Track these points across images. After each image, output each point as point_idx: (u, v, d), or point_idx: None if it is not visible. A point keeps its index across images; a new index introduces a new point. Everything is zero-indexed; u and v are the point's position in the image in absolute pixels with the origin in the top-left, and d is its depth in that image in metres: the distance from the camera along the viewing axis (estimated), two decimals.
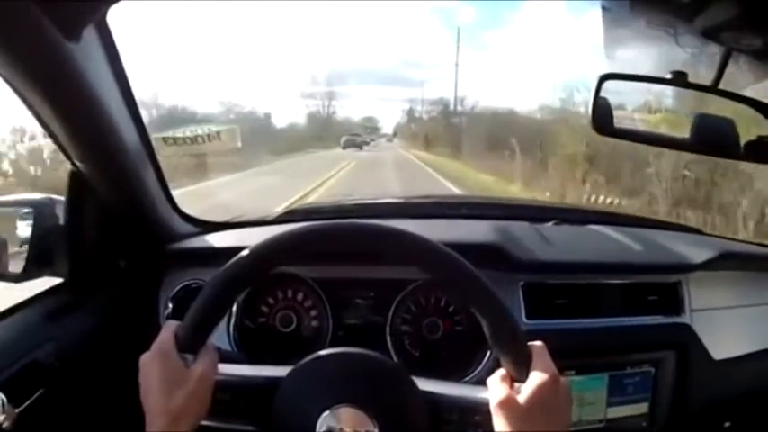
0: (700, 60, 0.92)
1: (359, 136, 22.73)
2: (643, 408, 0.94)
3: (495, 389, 0.56)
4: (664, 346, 0.94)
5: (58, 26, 0.61)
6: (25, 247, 0.85)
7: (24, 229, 0.88)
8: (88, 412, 0.85)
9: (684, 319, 0.96)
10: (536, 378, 0.54)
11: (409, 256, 0.60)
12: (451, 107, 20.81)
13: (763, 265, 1.12)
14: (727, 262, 1.03)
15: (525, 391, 0.54)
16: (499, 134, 12.57)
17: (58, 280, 0.89)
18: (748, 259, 1.12)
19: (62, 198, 0.87)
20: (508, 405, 0.54)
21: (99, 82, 0.73)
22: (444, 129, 20.49)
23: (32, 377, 0.75)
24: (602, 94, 0.86)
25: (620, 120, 0.94)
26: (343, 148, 19.91)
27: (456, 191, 8.52)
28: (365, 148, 22.33)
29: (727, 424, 1.10)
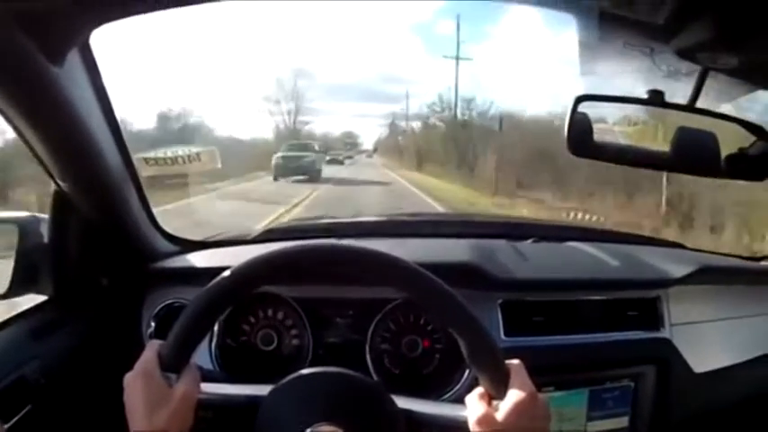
0: (678, 78, 0.94)
1: (305, 154, 12.01)
2: (623, 422, 0.95)
3: (473, 407, 0.57)
4: (643, 360, 0.95)
5: (41, 50, 0.62)
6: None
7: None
8: (75, 428, 0.86)
9: (664, 333, 0.97)
10: (514, 395, 0.55)
11: (386, 277, 0.61)
12: (449, 112, 16.48)
13: (743, 278, 1.13)
14: (707, 276, 1.04)
15: (503, 408, 0.55)
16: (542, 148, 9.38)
17: (42, 297, 0.90)
18: (728, 273, 1.13)
19: (46, 216, 0.88)
20: (486, 422, 0.55)
21: (82, 104, 0.74)
22: (444, 141, 16.04)
23: (20, 393, 0.75)
24: (580, 109, 0.88)
25: (601, 134, 0.96)
26: (275, 177, 10.80)
27: None
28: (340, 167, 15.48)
29: None
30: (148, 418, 0.56)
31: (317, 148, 13.57)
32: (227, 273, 0.60)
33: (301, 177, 10.81)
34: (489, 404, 0.56)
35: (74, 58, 0.71)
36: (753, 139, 0.89)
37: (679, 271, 0.99)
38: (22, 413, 0.75)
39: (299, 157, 11.53)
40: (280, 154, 11.63)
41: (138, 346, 0.62)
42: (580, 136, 0.85)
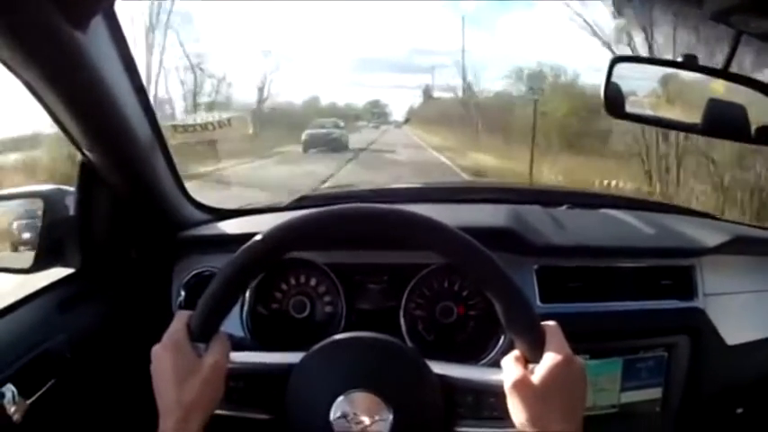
0: (709, 44, 0.92)
1: (337, 127, 13.79)
2: (656, 393, 0.94)
3: (509, 370, 0.56)
4: (677, 330, 0.94)
5: (65, 16, 0.61)
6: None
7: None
8: (100, 403, 0.86)
9: (698, 303, 0.95)
10: (550, 359, 0.54)
11: (423, 240, 0.60)
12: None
13: None
14: (741, 246, 1.03)
15: (539, 371, 0.54)
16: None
17: (69, 270, 0.89)
18: (762, 244, 1.11)
19: (72, 189, 0.87)
20: (523, 385, 0.54)
21: (108, 71, 0.73)
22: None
23: (43, 368, 0.75)
24: (614, 78, 0.86)
25: (632, 105, 0.94)
26: (305, 150, 12.25)
27: None
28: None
29: (739, 410, 1.10)
30: (178, 390, 0.55)
31: (341, 124, 14.82)
32: (256, 238, 0.58)
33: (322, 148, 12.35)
34: (525, 367, 0.55)
35: (98, 24, 0.69)
36: None
37: (713, 240, 0.98)
38: (44, 388, 0.74)
39: (327, 134, 13.22)
40: (308, 131, 13.17)
41: (167, 318, 0.60)
42: (615, 99, 0.84)
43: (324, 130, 13.49)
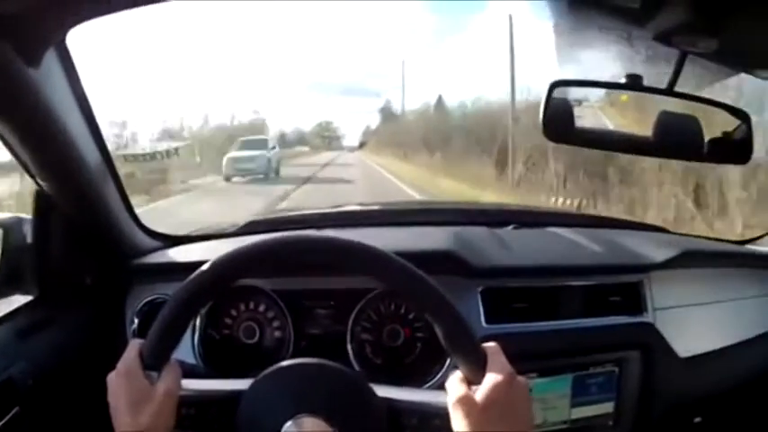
0: (656, 62, 0.94)
1: (264, 148, 11.19)
2: (608, 407, 0.95)
3: (452, 390, 0.57)
4: (627, 345, 0.95)
5: (17, 51, 0.62)
6: None
7: None
8: (63, 430, 0.87)
9: (647, 318, 0.97)
10: (491, 378, 0.55)
11: (362, 267, 0.61)
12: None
13: (726, 261, 1.13)
14: (690, 260, 1.05)
15: (481, 390, 0.55)
16: None
17: (28, 298, 0.90)
18: (712, 257, 1.13)
19: (30, 217, 0.88)
20: (465, 403, 0.55)
21: (60, 103, 0.74)
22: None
23: (7, 396, 0.75)
24: (554, 100, 0.87)
25: (583, 116, 0.95)
26: (226, 178, 9.84)
27: None
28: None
29: (697, 419, 1.11)
30: (132, 418, 0.56)
31: (271, 144, 12.41)
32: (203, 267, 0.60)
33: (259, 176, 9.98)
34: (469, 388, 0.56)
35: (50, 58, 0.71)
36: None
37: (661, 255, 1.00)
38: (9, 415, 0.75)
39: (252, 158, 10.48)
40: (229, 154, 10.59)
41: (123, 344, 0.62)
42: (558, 122, 0.85)
43: (246, 153, 10.52)
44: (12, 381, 0.77)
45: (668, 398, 0.99)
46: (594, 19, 0.88)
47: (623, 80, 0.88)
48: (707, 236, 1.29)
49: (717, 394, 1.09)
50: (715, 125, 0.95)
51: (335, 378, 0.63)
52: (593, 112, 0.94)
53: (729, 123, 0.91)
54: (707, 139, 0.90)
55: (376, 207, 1.32)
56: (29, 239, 0.88)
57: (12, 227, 0.88)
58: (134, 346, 0.60)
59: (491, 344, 0.58)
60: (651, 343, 0.96)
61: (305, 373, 0.63)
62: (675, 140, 0.92)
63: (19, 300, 0.90)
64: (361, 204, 1.33)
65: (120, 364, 0.59)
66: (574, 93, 0.95)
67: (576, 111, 0.91)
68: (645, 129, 0.93)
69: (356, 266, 0.62)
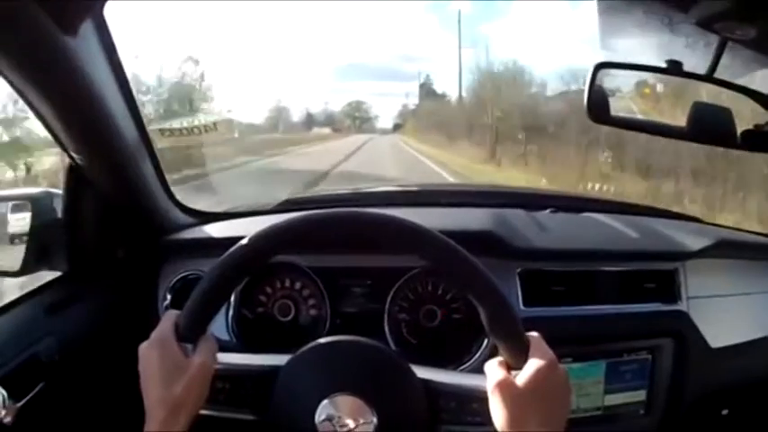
0: (696, 49, 0.93)
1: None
2: (640, 395, 0.94)
3: (492, 374, 0.56)
4: (661, 333, 0.95)
5: (55, 20, 0.61)
6: (16, 241, 0.86)
7: (15, 223, 0.88)
8: (89, 404, 0.86)
9: (681, 306, 0.96)
10: (534, 364, 0.55)
11: (407, 245, 0.60)
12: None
13: (761, 253, 1.12)
14: (725, 250, 1.04)
15: (522, 375, 0.54)
16: None
17: (57, 273, 0.89)
18: (746, 248, 1.12)
19: (59, 192, 0.87)
20: (505, 388, 0.54)
21: (96, 75, 0.74)
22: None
23: (32, 371, 0.75)
24: (597, 83, 0.87)
25: (617, 109, 0.95)
26: None
27: None
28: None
29: (724, 412, 1.11)
30: (164, 388, 0.55)
31: None
32: (241, 242, 0.59)
33: None
34: (508, 372, 0.56)
35: (87, 29, 0.70)
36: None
37: (697, 244, 0.99)
38: (34, 391, 0.75)
39: None
40: None
41: (154, 320, 0.61)
42: (599, 104, 0.85)
43: None
44: (37, 357, 0.77)
45: (698, 388, 0.99)
46: (638, 3, 0.88)
47: (664, 65, 0.87)
48: (739, 227, 1.27)
49: (745, 386, 1.08)
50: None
51: (375, 357, 0.63)
52: (625, 104, 0.94)
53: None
54: (740, 130, 0.90)
55: (414, 187, 1.31)
56: (59, 214, 0.87)
57: (41, 201, 0.87)
58: (169, 317, 0.60)
59: (534, 333, 0.58)
60: (684, 331, 0.95)
61: (344, 350, 0.62)
62: (708, 129, 0.91)
63: (48, 275, 0.89)
64: (398, 185, 1.32)
65: (155, 334, 0.58)
66: (607, 83, 0.94)
67: (612, 101, 0.91)
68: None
69: (401, 243, 0.61)
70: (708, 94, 0.91)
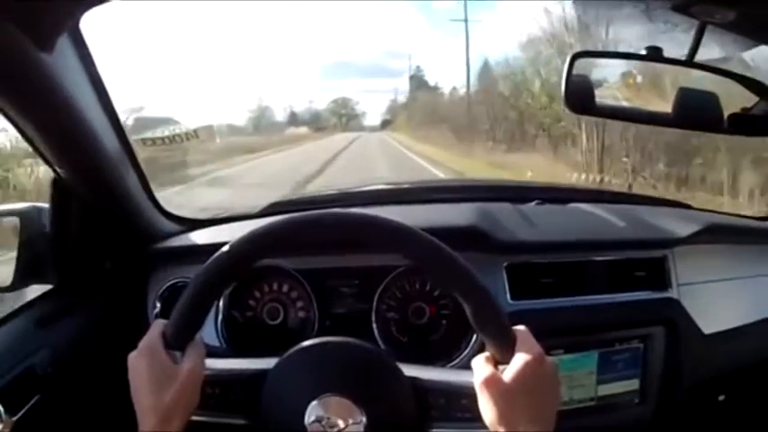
0: (673, 36, 0.92)
1: None
2: (634, 384, 0.94)
3: (479, 370, 0.56)
4: (652, 321, 0.95)
5: (31, 37, 0.61)
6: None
7: None
8: (84, 416, 0.86)
9: (672, 293, 0.96)
10: (520, 358, 0.55)
11: (390, 244, 0.61)
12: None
13: (750, 237, 1.12)
14: (714, 235, 1.04)
15: (510, 370, 0.54)
16: None
17: (48, 286, 0.90)
18: (735, 232, 1.12)
19: (47, 205, 0.88)
20: (492, 384, 0.54)
21: (75, 89, 0.74)
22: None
23: (27, 384, 0.76)
24: (579, 71, 0.87)
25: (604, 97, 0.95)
26: None
27: None
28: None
29: (721, 397, 1.11)
30: (154, 396, 0.56)
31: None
32: (225, 248, 0.59)
33: None
34: (496, 368, 0.56)
35: (64, 43, 0.70)
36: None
37: (685, 230, 0.98)
38: (30, 404, 0.75)
39: None
40: None
41: (144, 328, 0.61)
42: (578, 93, 0.85)
43: None
44: (32, 370, 0.77)
45: (692, 375, 0.98)
46: None
47: (643, 52, 0.87)
48: (729, 212, 1.27)
49: (740, 371, 1.08)
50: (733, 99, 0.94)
51: (362, 357, 0.63)
52: (611, 93, 0.94)
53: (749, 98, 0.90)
54: (726, 114, 0.90)
55: (399, 186, 1.31)
56: (47, 228, 0.87)
57: (29, 216, 0.88)
58: (157, 325, 0.60)
59: (521, 327, 0.58)
60: (676, 319, 0.95)
61: (331, 351, 0.63)
62: (695, 115, 0.91)
63: (38, 289, 0.90)
64: (383, 183, 1.32)
65: (143, 343, 0.59)
66: (594, 74, 0.94)
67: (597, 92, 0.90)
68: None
69: (383, 243, 0.61)
70: (686, 79, 0.91)
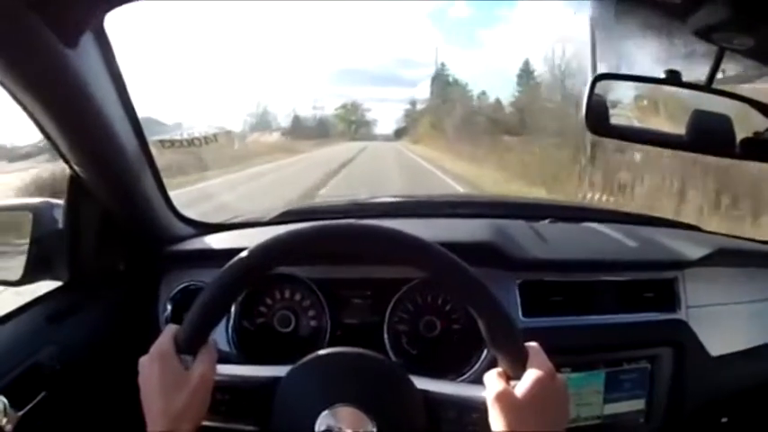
0: (694, 59, 0.93)
1: None
2: (640, 404, 0.95)
3: (491, 384, 0.56)
4: (660, 342, 0.95)
5: (55, 33, 0.62)
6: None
7: None
8: (90, 415, 0.86)
9: (680, 315, 0.96)
10: (532, 374, 0.55)
11: (405, 257, 0.61)
12: None
13: (760, 261, 1.13)
14: (724, 258, 1.04)
15: (521, 386, 0.55)
16: None
17: (57, 283, 0.90)
18: (745, 255, 1.13)
19: (60, 202, 0.88)
20: (504, 399, 0.54)
21: (97, 87, 0.74)
22: None
23: (34, 380, 0.75)
24: (597, 92, 0.88)
25: (618, 118, 0.95)
26: None
27: None
28: None
29: (724, 420, 1.11)
30: (165, 401, 0.56)
31: None
32: (242, 254, 0.59)
33: None
34: (507, 383, 0.56)
35: (88, 41, 0.70)
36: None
37: (695, 252, 0.99)
38: (35, 400, 0.75)
39: None
40: None
41: (154, 331, 0.62)
42: (598, 115, 0.85)
43: None
44: (39, 366, 0.77)
45: (699, 396, 0.99)
46: (635, 13, 0.88)
47: (662, 75, 0.88)
48: (738, 235, 1.28)
49: (744, 394, 1.08)
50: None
51: (375, 368, 0.63)
52: (624, 115, 0.94)
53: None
54: (739, 138, 0.90)
55: (414, 198, 1.31)
56: (59, 224, 0.87)
57: (41, 211, 0.88)
58: (169, 330, 0.60)
59: (533, 343, 0.58)
60: (684, 340, 0.96)
61: (343, 362, 0.63)
62: (707, 138, 0.91)
63: (49, 285, 0.89)
64: (399, 196, 1.32)
65: (154, 348, 0.59)
66: (609, 95, 0.94)
67: (611, 112, 0.91)
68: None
69: (399, 256, 0.61)
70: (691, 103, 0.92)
